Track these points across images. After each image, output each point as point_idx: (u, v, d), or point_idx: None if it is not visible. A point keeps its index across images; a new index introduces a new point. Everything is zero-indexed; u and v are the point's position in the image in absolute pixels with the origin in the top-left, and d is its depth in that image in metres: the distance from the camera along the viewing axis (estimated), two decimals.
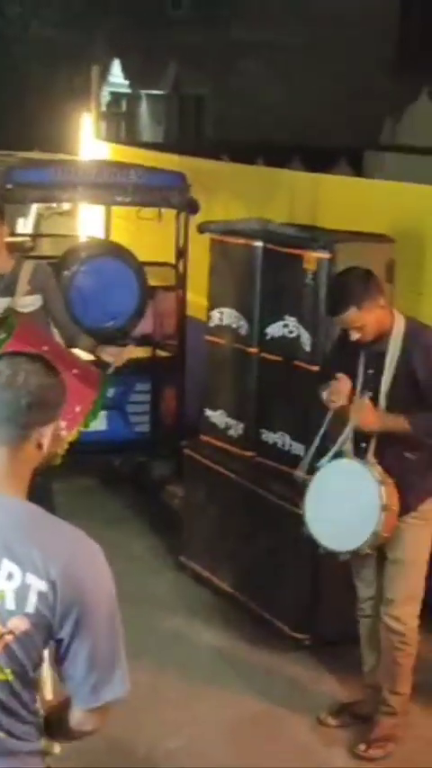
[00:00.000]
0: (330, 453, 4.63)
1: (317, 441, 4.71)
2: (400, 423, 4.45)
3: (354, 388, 4.54)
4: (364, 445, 4.55)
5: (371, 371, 4.54)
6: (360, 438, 4.57)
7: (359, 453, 4.57)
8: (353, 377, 4.55)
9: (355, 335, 4.48)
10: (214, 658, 5.44)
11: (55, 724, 2.58)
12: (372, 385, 4.53)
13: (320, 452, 4.71)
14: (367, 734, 4.73)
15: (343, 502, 4.57)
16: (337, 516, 4.58)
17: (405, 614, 4.61)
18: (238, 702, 5.07)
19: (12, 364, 2.51)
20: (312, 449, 4.76)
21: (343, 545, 4.55)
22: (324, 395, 4.56)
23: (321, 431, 4.68)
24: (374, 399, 4.52)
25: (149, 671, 5.00)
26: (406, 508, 4.52)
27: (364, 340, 4.49)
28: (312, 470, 4.71)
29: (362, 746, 4.69)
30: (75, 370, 5.06)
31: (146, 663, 4.91)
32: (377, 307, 4.46)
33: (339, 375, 4.55)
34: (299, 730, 4.86)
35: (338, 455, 4.62)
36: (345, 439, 4.58)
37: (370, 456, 4.52)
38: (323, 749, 4.74)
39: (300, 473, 4.82)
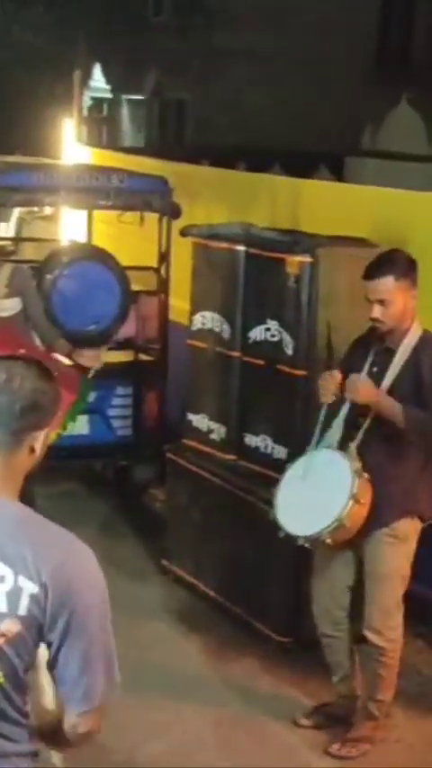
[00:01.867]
0: (315, 438, 4.64)
1: (315, 439, 4.70)
2: (394, 408, 4.43)
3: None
4: (350, 444, 4.56)
5: (375, 369, 4.56)
6: (350, 425, 4.57)
7: (344, 446, 4.58)
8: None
9: (377, 311, 4.46)
10: (198, 662, 5.45)
11: (53, 732, 2.58)
12: (374, 383, 4.53)
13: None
14: (345, 734, 4.76)
15: (315, 489, 4.58)
16: (305, 502, 4.59)
17: (384, 627, 4.61)
18: (221, 705, 5.07)
19: (6, 369, 2.50)
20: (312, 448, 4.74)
21: (304, 530, 4.55)
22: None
23: (317, 430, 4.67)
24: None
25: (132, 674, 4.98)
26: (380, 521, 4.52)
27: (382, 321, 4.48)
28: None
29: (336, 746, 4.71)
30: (54, 373, 5.07)
31: (129, 666, 4.89)
32: (409, 293, 4.48)
33: (330, 372, 4.58)
34: (282, 732, 4.87)
35: (323, 444, 4.63)
36: (337, 424, 4.59)
37: (352, 449, 4.53)
38: (306, 751, 4.75)
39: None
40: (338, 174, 15.95)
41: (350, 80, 21.51)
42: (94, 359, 5.88)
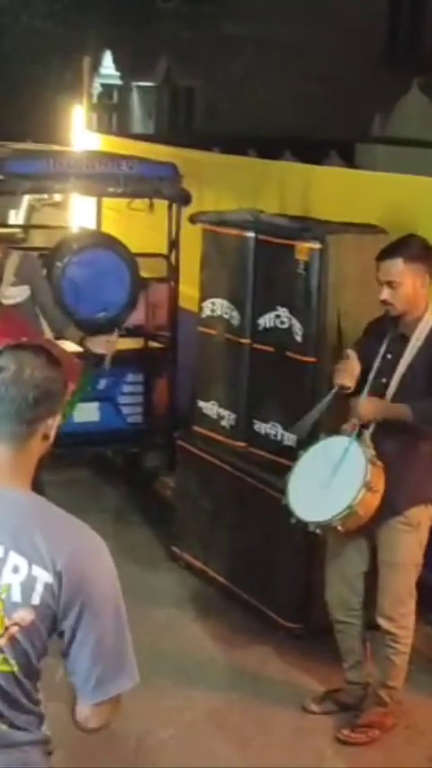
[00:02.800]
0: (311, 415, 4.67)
1: (316, 410, 4.73)
2: (401, 411, 4.46)
3: (369, 371, 4.57)
4: (365, 431, 4.56)
5: (389, 356, 4.55)
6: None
7: (359, 434, 4.58)
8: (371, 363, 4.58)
9: (386, 292, 4.47)
10: (207, 648, 5.46)
11: None
12: (387, 369, 4.54)
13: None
14: (354, 720, 4.77)
15: (328, 475, 4.57)
16: (318, 488, 4.59)
17: (397, 614, 4.62)
18: (230, 691, 5.09)
19: (16, 359, 2.50)
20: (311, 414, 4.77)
21: (315, 516, 4.55)
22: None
23: (323, 405, 4.68)
24: (387, 384, 4.53)
25: (142, 661, 5.00)
26: (394, 509, 4.52)
27: (391, 303, 4.48)
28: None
29: (345, 731, 4.73)
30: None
31: (139, 653, 4.91)
32: (421, 278, 4.47)
33: (348, 352, 4.56)
34: (292, 718, 4.88)
35: (336, 432, 4.64)
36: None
37: (366, 437, 4.53)
38: (316, 737, 4.76)
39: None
40: (349, 161, 15.91)
41: (360, 66, 21.47)
42: (107, 345, 5.86)
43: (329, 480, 4.55)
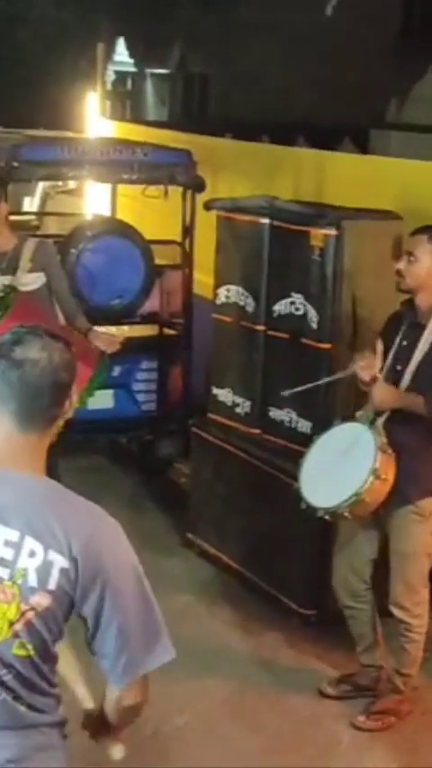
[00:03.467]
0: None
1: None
2: (415, 401, 4.45)
3: (386, 358, 4.57)
4: (378, 419, 4.56)
5: (405, 343, 4.55)
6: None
7: (372, 421, 4.58)
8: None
9: (401, 263, 4.51)
10: (221, 635, 5.46)
11: (102, 724, 2.63)
12: (403, 356, 4.54)
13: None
14: (369, 707, 4.78)
15: (339, 462, 4.58)
16: (329, 474, 4.60)
17: (410, 603, 4.63)
18: (245, 677, 5.09)
19: (45, 346, 2.48)
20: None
21: (324, 501, 4.55)
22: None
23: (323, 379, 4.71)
24: (402, 371, 4.53)
25: None
26: (405, 498, 4.52)
27: (402, 275, 4.50)
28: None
29: (361, 718, 4.73)
30: (73, 348, 5.08)
31: None
32: None
33: (378, 345, 4.61)
34: (307, 704, 4.88)
35: (350, 419, 4.65)
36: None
37: (379, 425, 4.52)
38: (331, 723, 4.76)
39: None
40: (363, 148, 15.86)
41: (375, 52, 21.37)
42: (108, 343, 5.86)
43: (340, 467, 4.57)
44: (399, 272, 4.54)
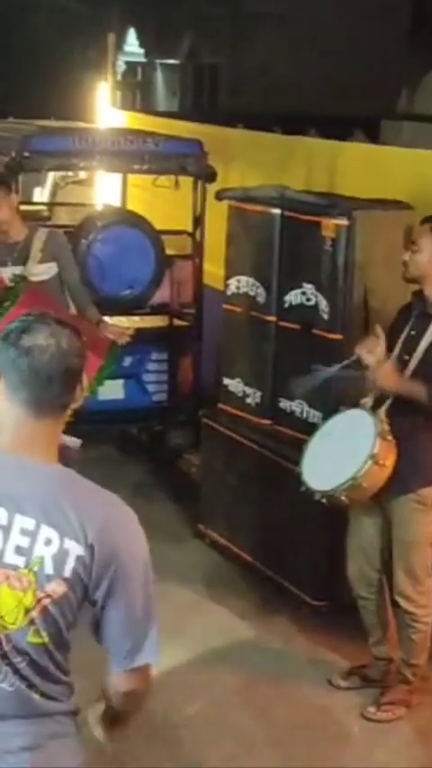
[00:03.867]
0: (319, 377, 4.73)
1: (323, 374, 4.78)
2: (417, 390, 4.46)
3: (393, 347, 4.57)
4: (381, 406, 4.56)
5: (413, 333, 4.56)
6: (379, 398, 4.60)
7: (374, 408, 4.59)
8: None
9: (406, 254, 4.55)
10: (232, 625, 5.47)
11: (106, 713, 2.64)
12: (411, 346, 4.54)
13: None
14: (380, 698, 4.78)
15: (339, 446, 4.61)
16: (330, 458, 4.63)
17: (414, 593, 4.63)
18: (255, 668, 5.10)
19: (53, 333, 2.47)
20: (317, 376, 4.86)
21: (322, 485, 4.57)
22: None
23: (330, 374, 4.70)
24: (409, 361, 4.52)
25: (168, 637, 5.01)
26: (407, 487, 4.52)
27: (406, 264, 4.51)
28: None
29: (371, 709, 4.74)
30: (83, 338, 5.09)
31: (164, 629, 4.94)
32: None
33: (377, 329, 4.60)
34: (317, 695, 4.89)
35: (355, 406, 4.66)
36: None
37: (381, 412, 4.52)
38: (341, 713, 4.76)
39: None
40: (375, 139, 15.81)
41: (386, 43, 21.30)
42: (118, 335, 5.87)
43: (340, 451, 4.59)
44: (404, 263, 4.56)
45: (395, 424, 4.50)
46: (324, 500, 4.59)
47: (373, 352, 4.54)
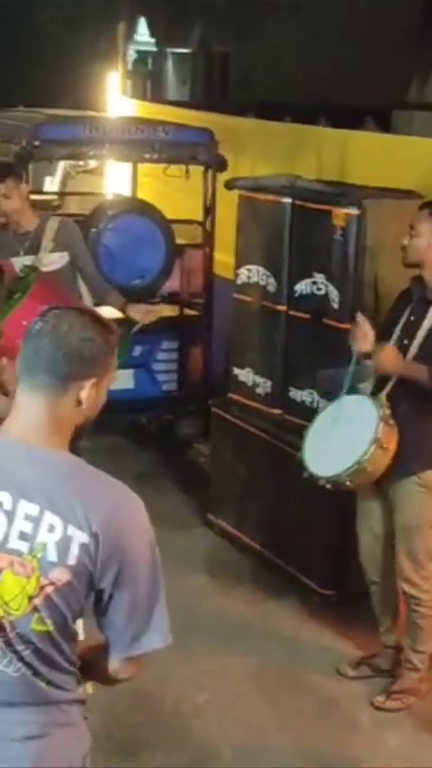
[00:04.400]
0: (346, 384, 4.66)
1: (346, 384, 4.71)
2: (418, 370, 4.45)
3: (392, 332, 4.56)
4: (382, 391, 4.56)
5: (412, 318, 4.55)
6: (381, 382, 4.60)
7: (375, 393, 4.59)
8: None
9: (406, 239, 4.53)
10: (241, 614, 5.47)
11: (88, 665, 2.60)
12: (410, 331, 4.54)
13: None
14: (389, 687, 4.78)
15: (342, 432, 4.61)
16: (332, 444, 4.63)
17: (418, 578, 4.63)
18: (265, 657, 5.10)
19: (58, 315, 2.50)
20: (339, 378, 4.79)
21: (326, 470, 4.57)
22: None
23: (348, 374, 4.67)
24: (408, 346, 4.51)
25: (177, 626, 5.02)
26: (408, 470, 4.53)
27: (405, 249, 4.51)
28: None
29: (380, 698, 4.74)
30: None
31: (174, 618, 4.95)
32: None
33: (358, 317, 4.60)
34: (326, 684, 4.89)
35: (355, 391, 4.65)
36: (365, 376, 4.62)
37: (382, 397, 4.52)
38: (350, 703, 4.77)
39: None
40: (385, 128, 15.75)
41: (397, 32, 21.20)
42: (146, 314, 5.87)
43: (342, 436, 4.59)
44: (403, 248, 4.54)
45: (396, 409, 4.50)
46: (329, 486, 4.59)
47: (365, 337, 4.54)
